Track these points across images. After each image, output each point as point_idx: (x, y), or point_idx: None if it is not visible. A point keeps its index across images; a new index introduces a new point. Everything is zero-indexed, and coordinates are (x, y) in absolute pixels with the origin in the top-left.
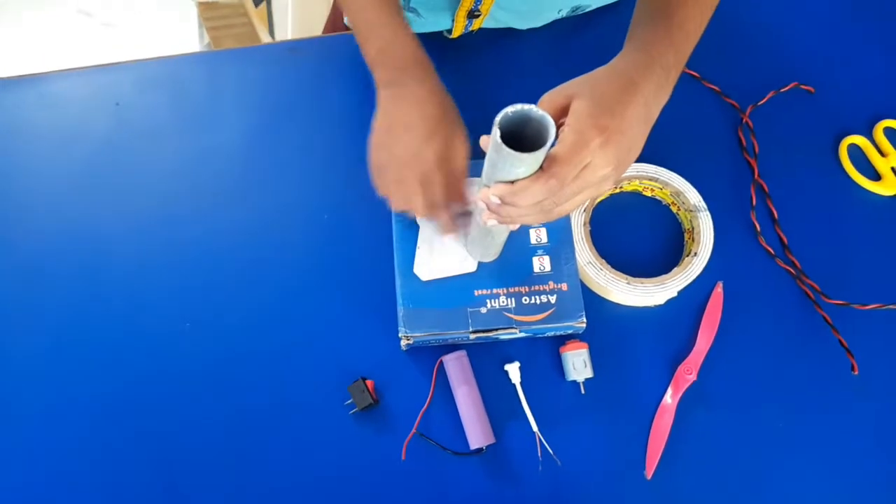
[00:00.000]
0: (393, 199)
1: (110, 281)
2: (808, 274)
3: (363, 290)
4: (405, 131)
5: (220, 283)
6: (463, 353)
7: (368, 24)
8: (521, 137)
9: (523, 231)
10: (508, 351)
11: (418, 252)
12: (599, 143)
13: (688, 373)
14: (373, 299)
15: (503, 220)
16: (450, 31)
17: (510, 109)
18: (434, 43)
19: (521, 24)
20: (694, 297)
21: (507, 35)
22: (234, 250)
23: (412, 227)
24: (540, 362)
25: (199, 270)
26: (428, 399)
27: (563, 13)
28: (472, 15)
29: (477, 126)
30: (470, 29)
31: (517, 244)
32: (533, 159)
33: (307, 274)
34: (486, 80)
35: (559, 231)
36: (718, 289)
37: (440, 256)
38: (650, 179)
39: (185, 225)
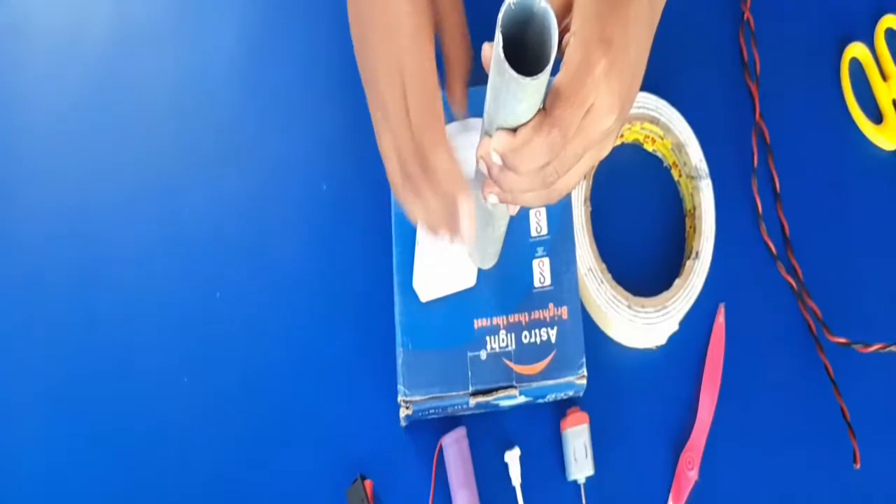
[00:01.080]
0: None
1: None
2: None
3: (361, 336)
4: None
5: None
6: (462, 432)
7: None
8: (524, 48)
9: (523, 226)
10: (509, 426)
11: (416, 265)
12: (604, 68)
13: (689, 468)
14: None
15: (504, 195)
16: None
17: (512, 1)
18: None
19: None
20: (695, 332)
21: None
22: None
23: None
24: (540, 440)
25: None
26: (430, 499)
27: None
28: None
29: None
30: None
31: (515, 244)
32: (534, 88)
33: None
34: None
35: (560, 211)
36: (720, 318)
37: (440, 269)
38: (651, 122)
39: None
